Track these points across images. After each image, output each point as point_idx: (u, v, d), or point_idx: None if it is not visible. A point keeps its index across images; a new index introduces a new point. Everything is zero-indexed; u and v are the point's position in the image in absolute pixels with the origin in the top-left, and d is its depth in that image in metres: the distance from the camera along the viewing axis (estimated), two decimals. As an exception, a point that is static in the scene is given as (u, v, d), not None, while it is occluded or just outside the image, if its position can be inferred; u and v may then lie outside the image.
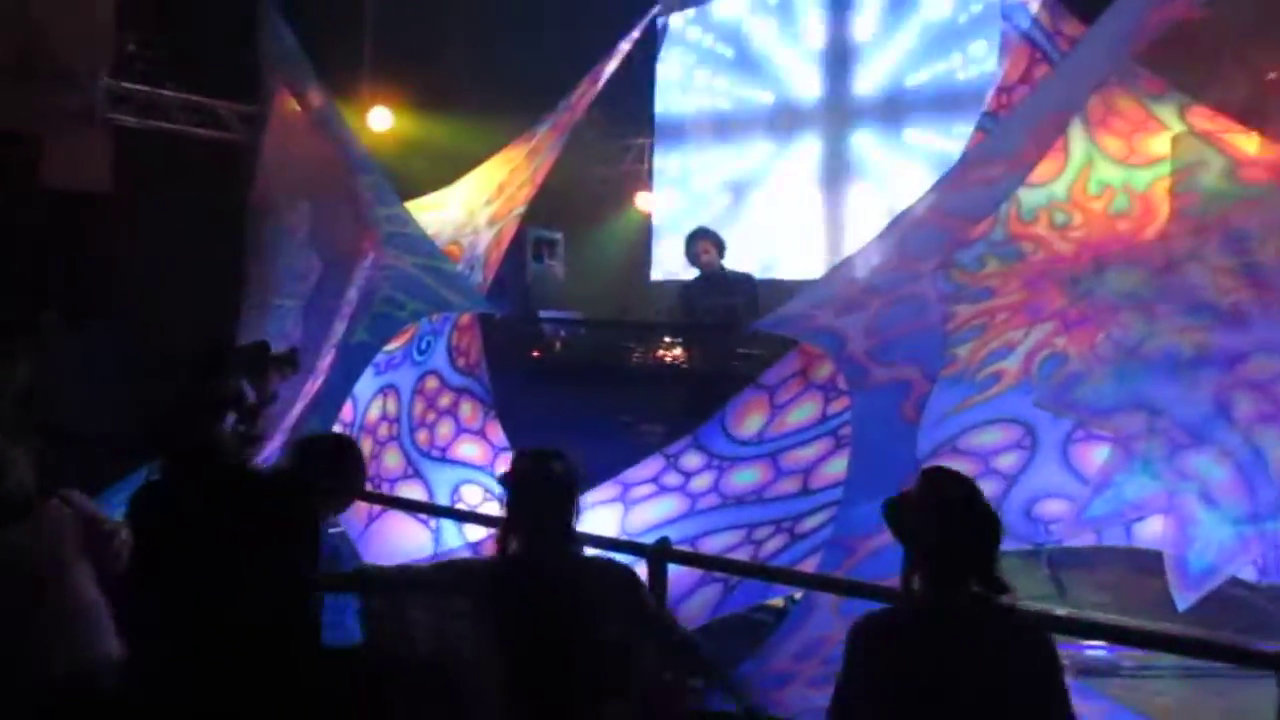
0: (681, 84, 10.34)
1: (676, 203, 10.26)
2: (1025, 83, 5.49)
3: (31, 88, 7.89)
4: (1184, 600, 3.89)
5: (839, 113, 9.39)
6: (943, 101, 8.82)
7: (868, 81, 9.25)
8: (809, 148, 9.50)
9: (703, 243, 6.95)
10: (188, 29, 8.39)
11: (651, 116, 10.38)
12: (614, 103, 7.37)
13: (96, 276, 7.46)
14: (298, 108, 6.15)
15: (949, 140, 8.45)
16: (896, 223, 4.43)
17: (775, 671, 3.75)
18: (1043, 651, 2.34)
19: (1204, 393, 4.12)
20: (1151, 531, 4.14)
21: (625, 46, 6.82)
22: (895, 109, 9.11)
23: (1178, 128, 4.65)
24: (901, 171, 8.90)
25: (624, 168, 10.68)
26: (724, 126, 10.04)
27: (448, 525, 5.61)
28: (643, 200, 10.50)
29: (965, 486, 2.45)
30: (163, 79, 8.55)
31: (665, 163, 10.37)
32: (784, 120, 9.67)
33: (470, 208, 6.46)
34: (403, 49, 9.37)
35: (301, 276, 6.31)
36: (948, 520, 2.38)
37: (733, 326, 6.74)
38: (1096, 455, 4.33)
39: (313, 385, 5.84)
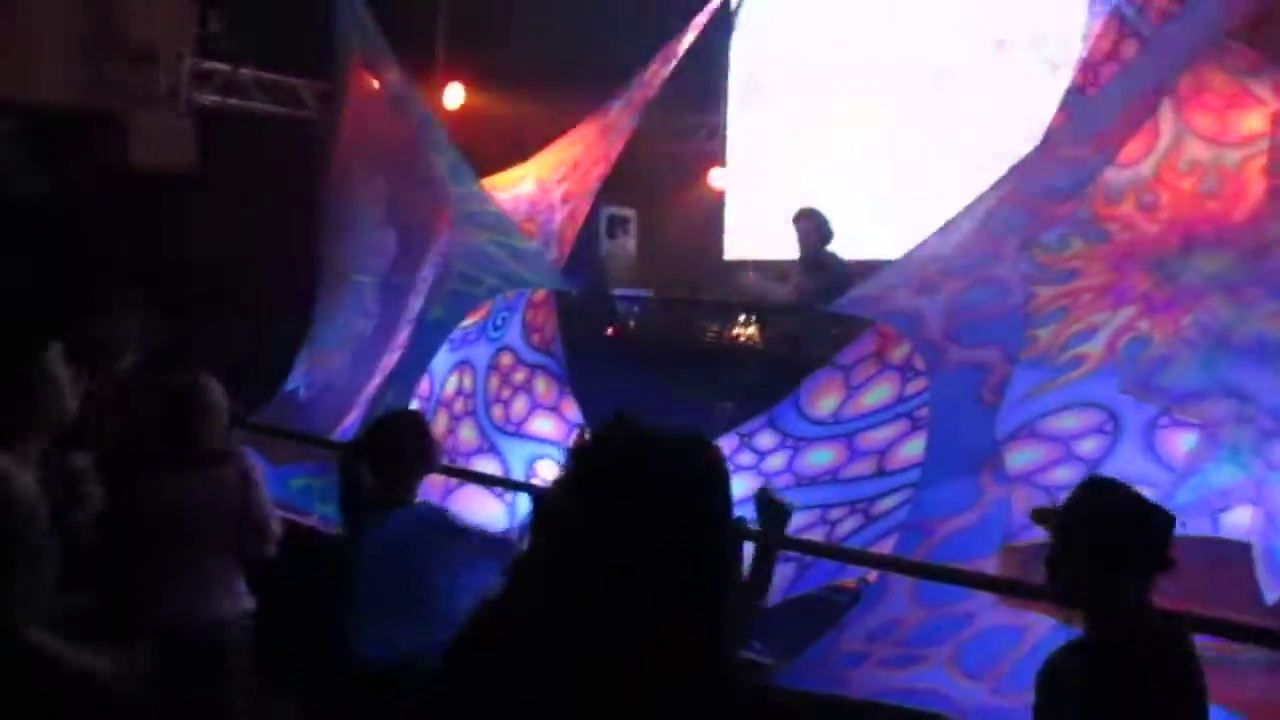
0: (756, 61, 10.26)
1: (750, 181, 10.20)
2: (1113, 59, 5.35)
3: (116, 67, 8.08)
4: (1273, 592, 3.80)
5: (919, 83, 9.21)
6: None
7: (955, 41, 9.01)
8: (889, 122, 9.35)
9: (800, 223, 6.99)
10: (265, 7, 8.51)
11: (726, 93, 10.31)
12: (688, 79, 7.34)
13: (179, 252, 7.63)
14: (374, 85, 6.24)
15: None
16: (978, 202, 4.37)
17: (848, 651, 3.74)
18: (1196, 665, 2.23)
19: (1295, 380, 4.00)
20: (1239, 521, 4.05)
21: (699, 22, 6.79)
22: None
23: (1275, 105, 4.50)
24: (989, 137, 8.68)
25: (697, 145, 10.64)
26: (800, 105, 9.93)
27: (522, 499, 5.68)
28: (716, 177, 10.45)
29: (1133, 499, 2.30)
30: (242, 57, 8.69)
31: (739, 140, 10.30)
32: (864, 93, 9.52)
33: (544, 185, 6.50)
34: (476, 26, 9.40)
35: (378, 253, 6.41)
36: (1122, 538, 2.22)
37: (804, 308, 6.74)
38: (1182, 442, 4.23)
39: (390, 360, 5.94)
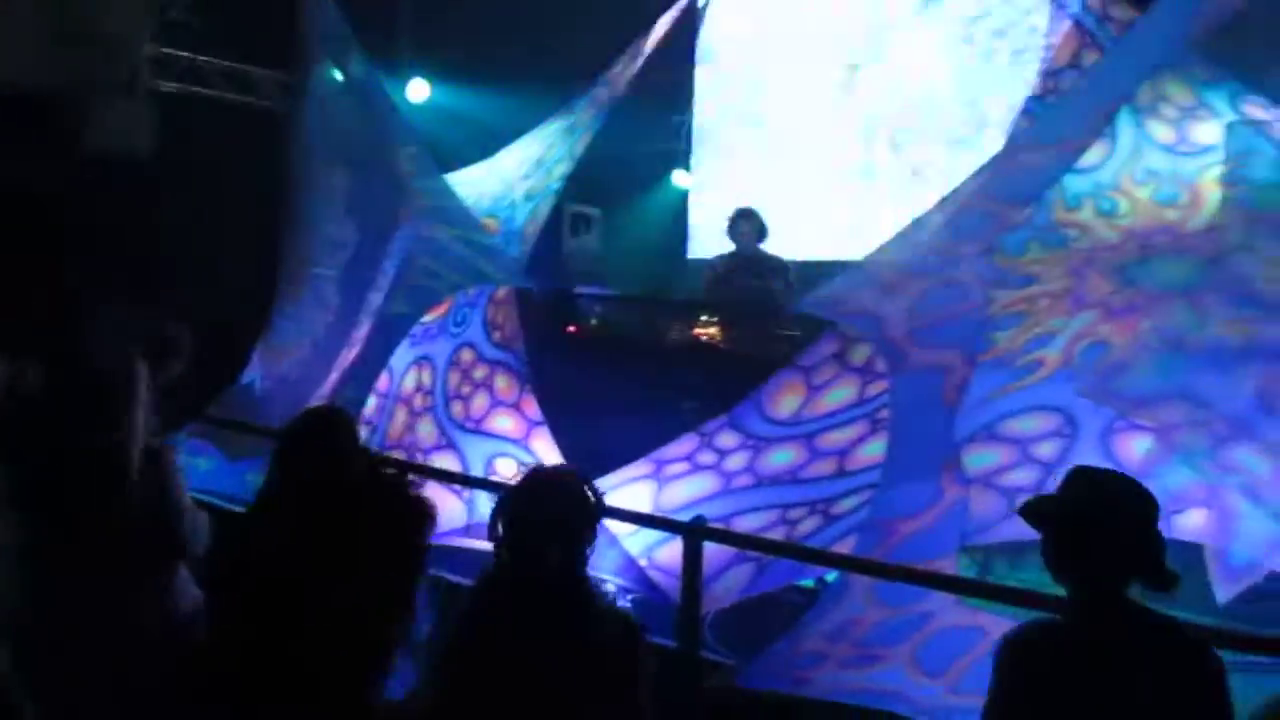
0: (720, 60, 10.28)
1: (713, 181, 10.21)
2: (1073, 67, 5.44)
3: (74, 53, 7.94)
4: (1224, 594, 3.85)
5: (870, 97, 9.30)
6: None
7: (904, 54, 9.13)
8: (846, 129, 9.42)
9: (744, 223, 6.95)
10: (228, -5, 8.42)
11: (690, 93, 10.33)
12: (653, 78, 7.34)
13: (136, 242, 7.52)
14: (338, 77, 6.18)
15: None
16: (940, 205, 4.40)
17: (807, 652, 3.75)
18: (1206, 671, 2.18)
19: (1249, 385, 4.06)
20: (1192, 524, 4.11)
21: (665, 23, 6.80)
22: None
23: (1230, 116, 4.58)
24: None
25: (662, 143, 10.64)
26: (761, 104, 9.97)
27: (481, 497, 5.65)
28: (680, 177, 10.47)
29: (1122, 482, 2.32)
30: (203, 46, 8.58)
31: (703, 139, 10.32)
32: (822, 101, 9.58)
33: (508, 181, 6.48)
34: (442, 20, 9.36)
35: (339, 246, 6.35)
36: (1103, 519, 2.22)
37: (768, 308, 6.72)
38: (1138, 446, 4.28)
39: (349, 354, 5.89)
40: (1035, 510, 2.34)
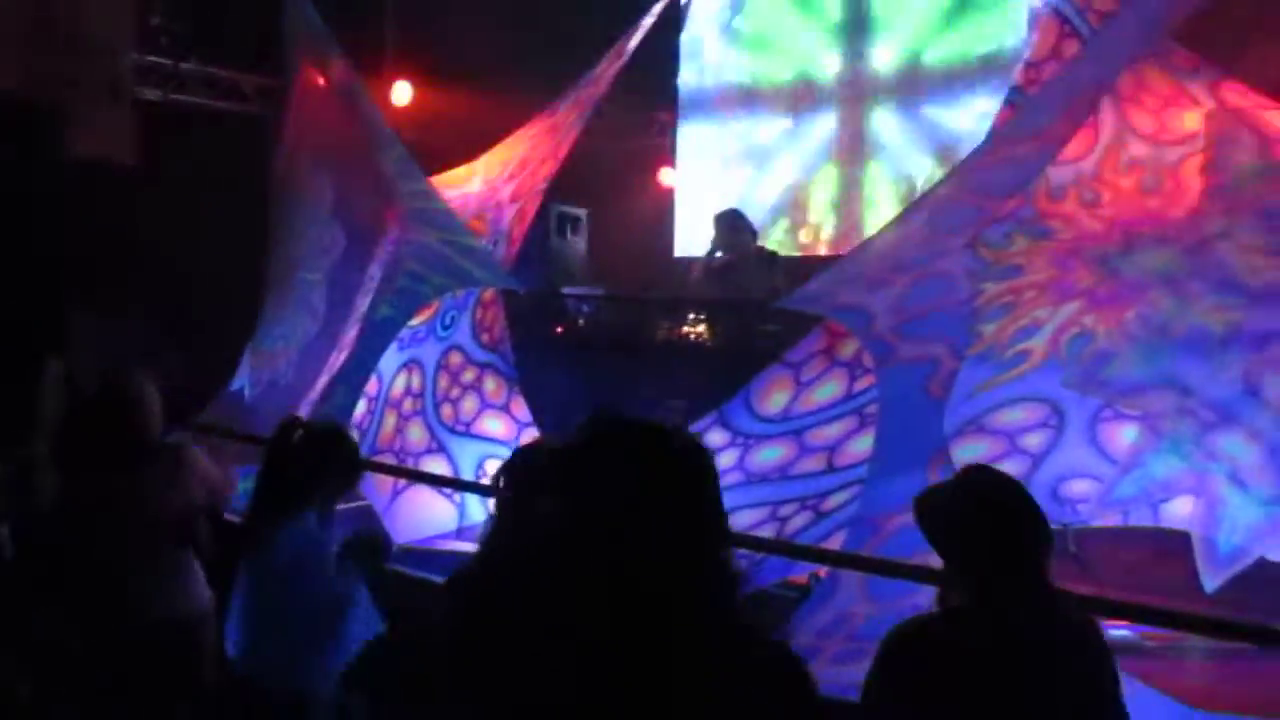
0: (704, 58, 10.28)
1: (699, 178, 10.21)
2: (1055, 58, 5.42)
3: (57, 60, 7.91)
4: (1212, 581, 3.87)
5: (857, 89, 9.32)
6: (960, 77, 8.75)
7: (885, 57, 9.18)
8: (829, 123, 9.44)
9: (723, 224, 6.96)
10: (211, 1, 8.39)
11: (675, 90, 10.33)
12: (637, 76, 7.33)
13: (122, 250, 7.49)
14: (321, 81, 6.16)
15: (965, 116, 8.50)
16: (924, 199, 4.42)
17: (801, 647, 3.73)
18: (1093, 647, 2.18)
19: (1233, 372, 4.08)
20: (1179, 512, 4.13)
21: (649, 20, 6.78)
22: (913, 84, 9.03)
23: (1210, 104, 4.59)
24: (918, 148, 8.88)
25: (647, 141, 10.63)
26: (745, 101, 9.98)
27: (472, 500, 5.65)
28: (666, 175, 10.46)
29: (1012, 486, 2.28)
30: (185, 52, 8.54)
31: (689, 137, 10.32)
32: (805, 95, 9.60)
33: (493, 183, 6.46)
34: (424, 22, 9.33)
35: (325, 250, 6.32)
36: (996, 524, 2.19)
37: (754, 304, 6.72)
38: (1125, 435, 4.31)
39: (337, 359, 5.87)
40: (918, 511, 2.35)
